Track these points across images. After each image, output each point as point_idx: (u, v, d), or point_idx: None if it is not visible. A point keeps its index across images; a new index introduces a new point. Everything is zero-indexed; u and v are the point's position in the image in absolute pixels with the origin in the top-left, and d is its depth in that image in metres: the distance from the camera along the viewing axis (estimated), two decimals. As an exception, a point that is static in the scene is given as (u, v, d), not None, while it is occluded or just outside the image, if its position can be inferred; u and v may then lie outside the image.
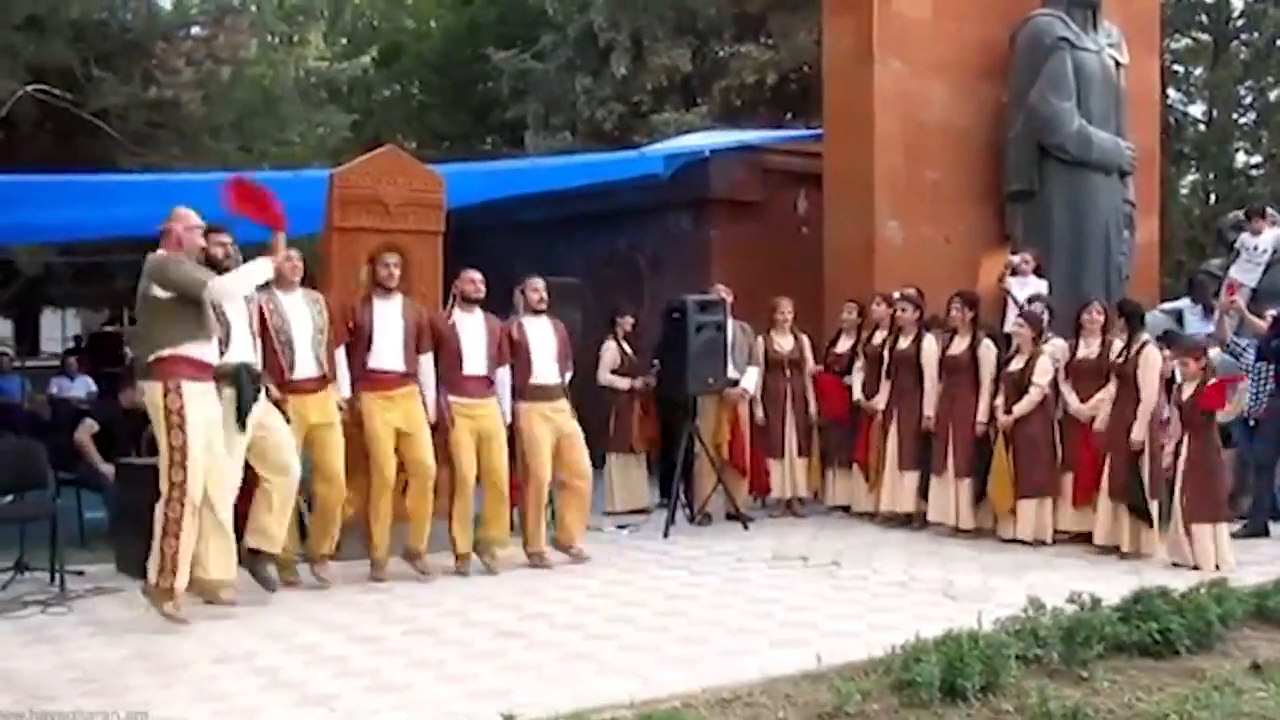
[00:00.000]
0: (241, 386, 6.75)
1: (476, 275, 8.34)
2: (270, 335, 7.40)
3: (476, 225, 11.25)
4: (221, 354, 6.75)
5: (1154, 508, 8.42)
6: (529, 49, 20.04)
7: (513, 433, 8.30)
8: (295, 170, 12.55)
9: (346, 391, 7.77)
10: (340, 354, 7.78)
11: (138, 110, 14.78)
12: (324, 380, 7.53)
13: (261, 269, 6.82)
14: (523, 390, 8.35)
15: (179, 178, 11.30)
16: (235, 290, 6.73)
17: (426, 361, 8.00)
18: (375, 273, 8.01)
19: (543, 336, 8.52)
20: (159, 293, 6.43)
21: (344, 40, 23.08)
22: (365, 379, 7.78)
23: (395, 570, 7.87)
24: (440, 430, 7.94)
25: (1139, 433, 8.39)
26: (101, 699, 5.25)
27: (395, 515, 7.83)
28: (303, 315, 7.49)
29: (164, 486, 6.37)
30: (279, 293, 7.40)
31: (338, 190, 8.56)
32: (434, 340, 8.04)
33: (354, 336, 7.78)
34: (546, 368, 8.47)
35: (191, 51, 15.45)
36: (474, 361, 8.16)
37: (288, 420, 7.15)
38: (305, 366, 7.43)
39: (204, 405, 6.48)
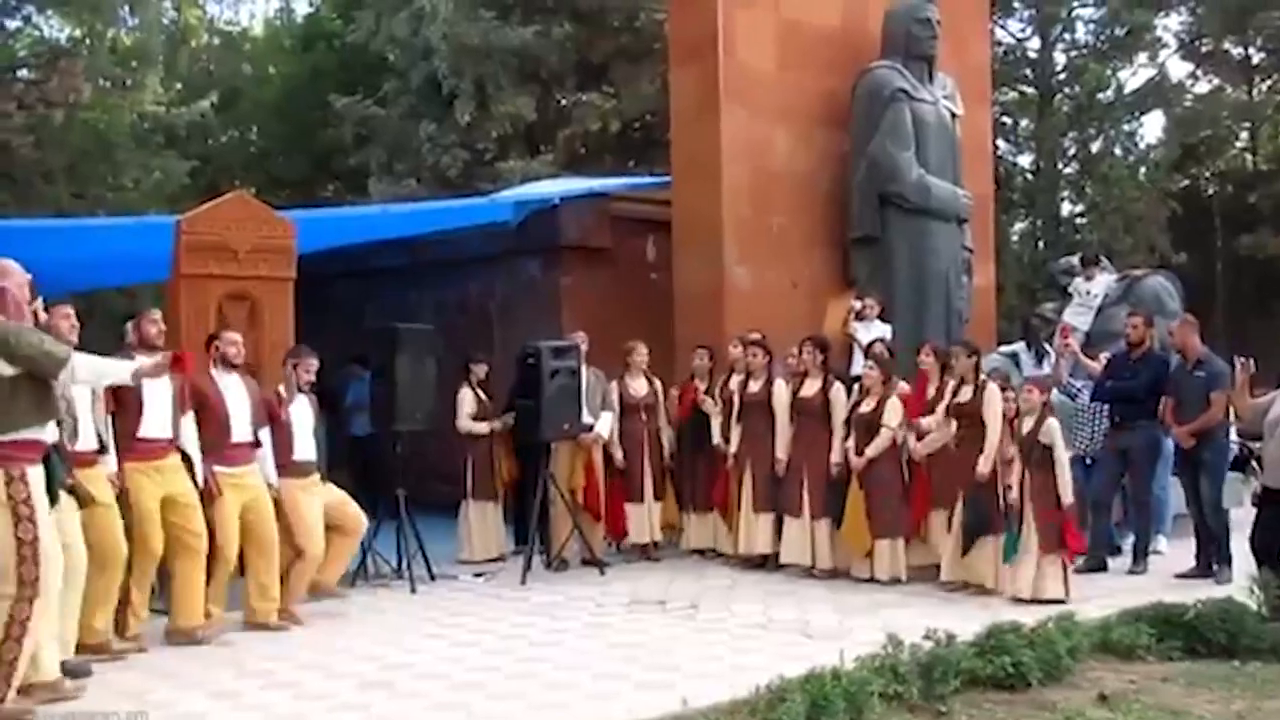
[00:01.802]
0: (50, 463, 5.94)
1: (237, 336, 8.00)
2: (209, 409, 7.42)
3: (325, 272, 11.13)
4: (70, 441, 6.28)
5: (999, 542, 8.68)
6: (372, 95, 19.96)
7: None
8: (137, 216, 12.32)
9: (199, 463, 7.54)
10: (190, 425, 7.54)
11: (-35, 154, 14.37)
12: (100, 452, 6.99)
13: (125, 370, 6.29)
14: (286, 466, 8.13)
15: (9, 224, 10.95)
16: (98, 378, 6.24)
17: (189, 425, 7.61)
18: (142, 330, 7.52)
19: (302, 413, 8.28)
20: (5, 369, 5.65)
21: (180, 86, 22.68)
22: (132, 449, 7.25)
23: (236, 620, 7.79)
24: (207, 499, 7.60)
25: (984, 466, 8.64)
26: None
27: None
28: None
29: (8, 587, 5.59)
30: None
31: (185, 237, 8.43)
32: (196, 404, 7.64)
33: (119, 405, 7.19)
34: (306, 444, 8.29)
35: (22, 94, 15.09)
36: (240, 428, 7.82)
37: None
38: (86, 439, 6.79)
39: (43, 492, 5.81)
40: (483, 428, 10.43)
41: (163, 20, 21.83)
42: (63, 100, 15.44)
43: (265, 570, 7.82)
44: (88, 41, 17.99)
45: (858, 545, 9.20)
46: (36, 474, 5.74)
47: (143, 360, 6.49)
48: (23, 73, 16.15)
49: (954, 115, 12.33)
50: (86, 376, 6.02)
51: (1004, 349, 12.28)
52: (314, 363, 8.36)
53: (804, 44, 11.99)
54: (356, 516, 8.51)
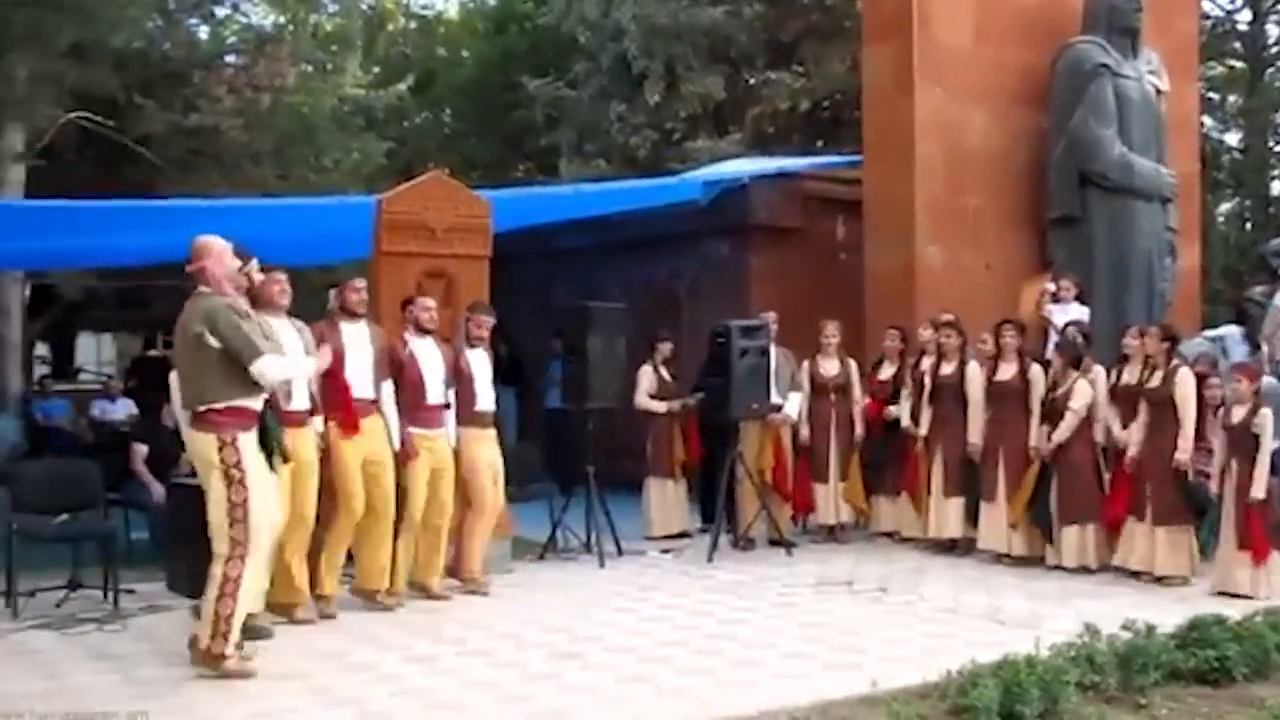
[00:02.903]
0: (268, 426, 6.25)
1: (430, 302, 8.18)
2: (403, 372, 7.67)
3: (516, 251, 11.30)
4: (285, 402, 6.57)
5: (1194, 533, 8.42)
6: (562, 77, 20.16)
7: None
8: (338, 197, 12.68)
9: (396, 429, 7.74)
10: (388, 388, 7.76)
11: (178, 137, 14.98)
12: (312, 413, 7.29)
13: (307, 366, 6.79)
14: (466, 417, 8.25)
15: (219, 203, 11.40)
16: (280, 377, 6.31)
17: (388, 389, 7.79)
18: (344, 297, 7.75)
19: (481, 366, 8.42)
20: (212, 341, 5.94)
21: (378, 69, 23.25)
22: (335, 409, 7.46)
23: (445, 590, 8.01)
24: (402, 460, 7.78)
25: (1183, 455, 8.37)
26: (167, 717, 5.30)
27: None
28: (293, 342, 6.96)
29: (221, 546, 5.93)
30: (269, 318, 6.66)
31: (385, 216, 8.62)
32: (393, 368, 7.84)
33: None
34: (486, 395, 8.42)
35: (232, 79, 15.65)
36: (434, 391, 8.00)
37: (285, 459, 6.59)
38: (299, 399, 7.08)
39: (258, 456, 6.10)
40: (659, 406, 10.52)
41: (361, 6, 22.36)
42: (269, 85, 15.96)
43: (437, 534, 8.00)
44: (291, 28, 18.53)
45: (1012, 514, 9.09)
46: (248, 440, 6.01)
47: (312, 360, 6.81)
48: (231, 58, 16.72)
49: (1158, 91, 11.93)
50: (277, 374, 6.19)
51: (1210, 333, 11.83)
52: (487, 319, 8.45)
53: (1002, 19, 11.73)
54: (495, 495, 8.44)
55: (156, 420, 9.96)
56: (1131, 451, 8.70)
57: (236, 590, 5.91)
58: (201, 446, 5.99)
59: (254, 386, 6.04)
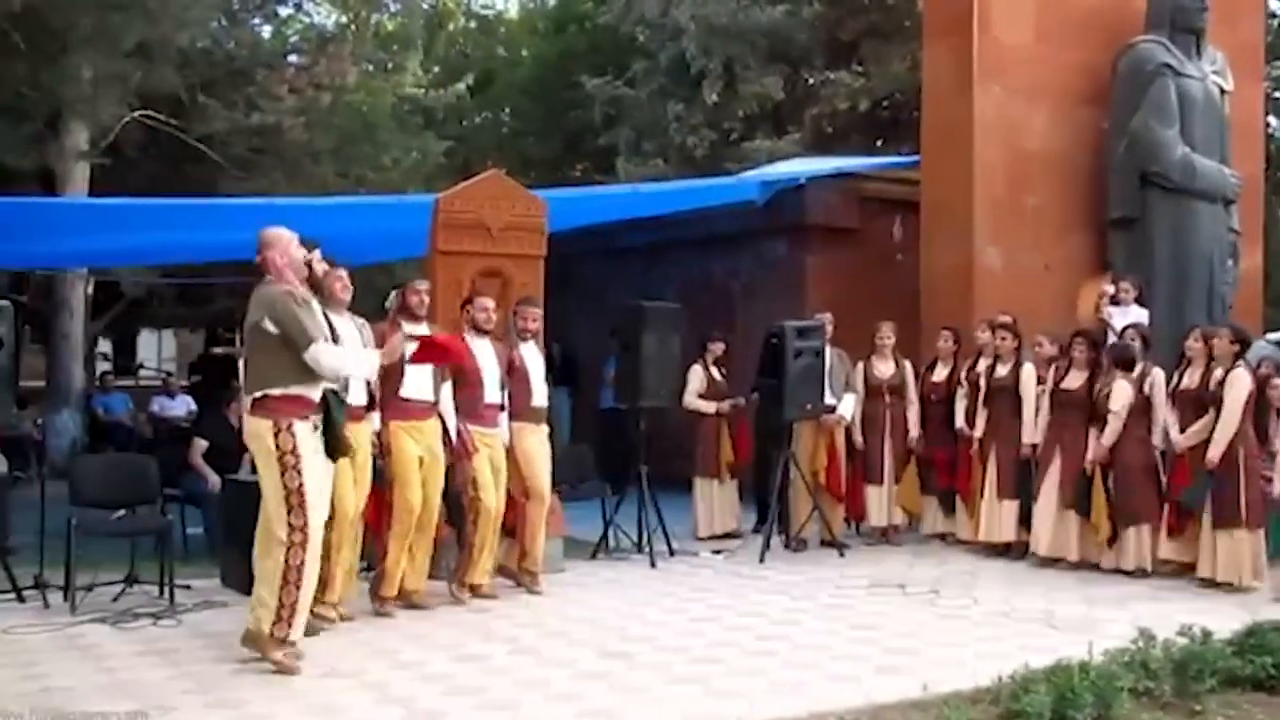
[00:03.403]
0: (333, 417, 6.25)
1: (489, 302, 8.20)
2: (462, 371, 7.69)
3: (572, 250, 11.33)
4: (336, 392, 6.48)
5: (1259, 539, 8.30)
6: (621, 76, 20.20)
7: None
8: (397, 195, 12.76)
9: (453, 427, 7.76)
10: (447, 389, 7.77)
11: (241, 136, 15.15)
12: (369, 409, 7.32)
13: (370, 362, 6.62)
14: (521, 412, 8.24)
15: (279, 201, 11.52)
16: (333, 365, 6.17)
17: (446, 391, 7.79)
18: (406, 299, 7.81)
19: (534, 360, 8.41)
20: (270, 327, 6.02)
21: (437, 68, 23.40)
22: (393, 408, 7.50)
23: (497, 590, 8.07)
24: (463, 456, 7.81)
25: (1215, 452, 8.29)
26: (220, 711, 5.36)
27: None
28: (352, 337, 7.03)
29: (280, 532, 5.98)
30: (330, 314, 6.65)
31: (442, 214, 8.68)
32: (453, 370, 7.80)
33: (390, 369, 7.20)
34: (540, 390, 8.40)
35: (294, 79, 15.82)
36: (491, 390, 8.03)
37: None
38: (356, 394, 7.07)
39: (314, 443, 6.12)
40: (707, 406, 10.52)
41: (422, 5, 22.50)
42: (330, 84, 16.14)
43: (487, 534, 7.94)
44: (353, 27, 18.69)
45: (1101, 532, 8.90)
46: (303, 428, 6.04)
47: (376, 355, 6.68)
48: (293, 58, 16.91)
49: (1223, 91, 11.79)
50: (333, 363, 6.14)
51: (1273, 336, 11.68)
52: (535, 310, 8.46)
53: (1064, 18, 11.62)
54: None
55: (217, 415, 10.11)
56: (1185, 443, 8.60)
57: (300, 578, 5.98)
58: (258, 432, 6.03)
59: (312, 375, 6.07)
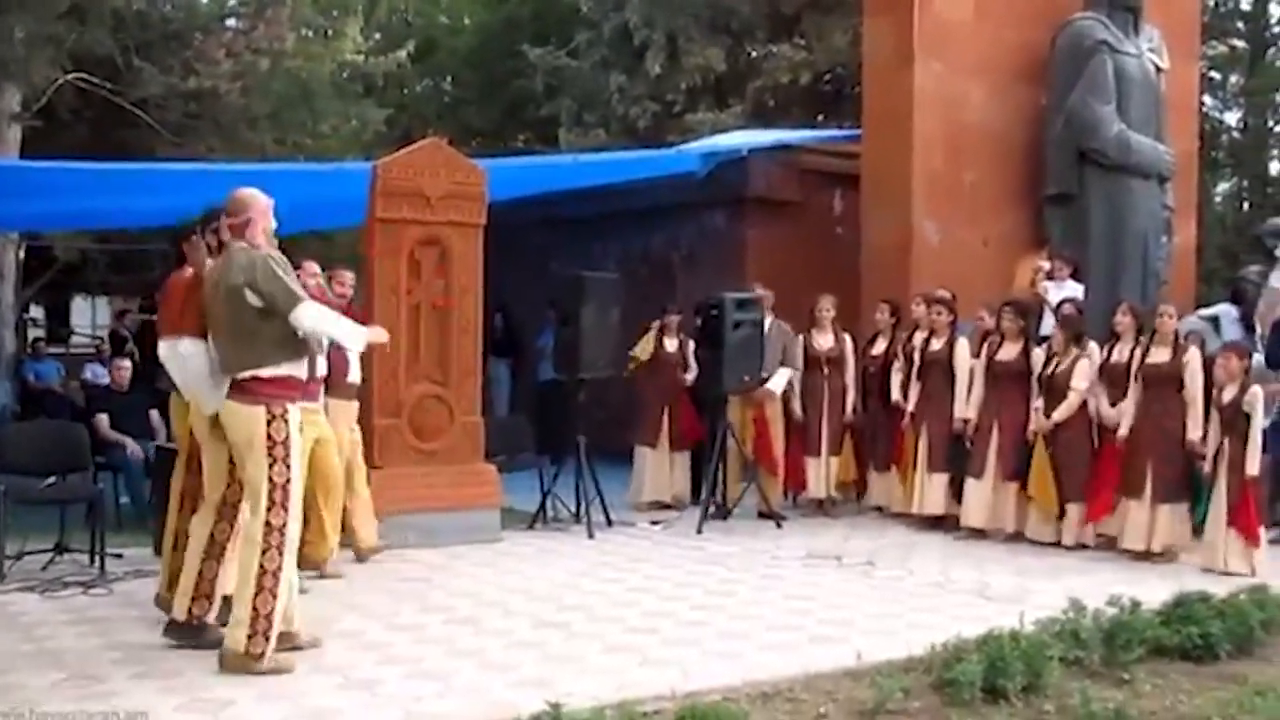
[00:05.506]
0: None
1: (349, 276, 8.18)
2: None
3: (514, 221, 11.28)
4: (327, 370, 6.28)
5: (1186, 511, 8.48)
6: (564, 46, 20.08)
7: None
8: (335, 163, 12.63)
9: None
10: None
11: (176, 100, 14.91)
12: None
13: (357, 334, 6.13)
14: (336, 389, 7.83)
15: (216, 167, 11.37)
16: (325, 330, 5.74)
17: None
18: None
19: None
20: (253, 299, 5.46)
21: (378, 35, 23.13)
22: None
23: (433, 560, 8.07)
24: None
25: (1194, 433, 8.41)
26: (150, 681, 5.30)
27: None
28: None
29: (256, 532, 5.44)
30: None
31: (381, 182, 8.63)
32: None
33: None
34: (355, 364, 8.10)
35: (231, 43, 15.58)
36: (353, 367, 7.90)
37: None
38: (353, 373, 7.25)
39: (299, 434, 5.67)
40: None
41: (363, -30, 22.23)
42: (268, 49, 15.88)
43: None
44: (291, -9, 18.47)
45: (1045, 507, 9.00)
46: (295, 415, 5.59)
47: (364, 331, 6.30)
48: (230, 22, 16.64)
49: (1159, 69, 11.90)
50: (310, 327, 5.61)
51: (1204, 311, 11.81)
52: (348, 275, 8.35)
53: (1003, -6, 11.68)
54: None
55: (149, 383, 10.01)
56: (1123, 430, 8.69)
57: (276, 584, 5.43)
58: (247, 419, 5.48)
59: (298, 351, 5.61)
